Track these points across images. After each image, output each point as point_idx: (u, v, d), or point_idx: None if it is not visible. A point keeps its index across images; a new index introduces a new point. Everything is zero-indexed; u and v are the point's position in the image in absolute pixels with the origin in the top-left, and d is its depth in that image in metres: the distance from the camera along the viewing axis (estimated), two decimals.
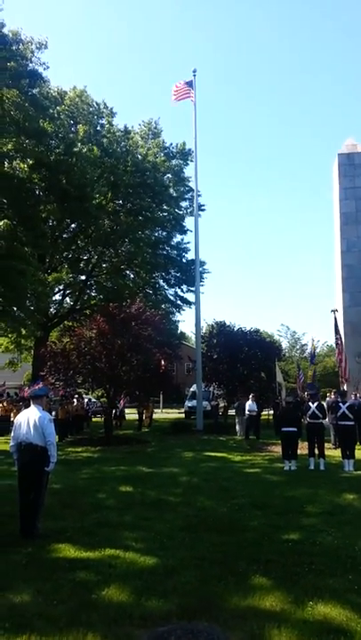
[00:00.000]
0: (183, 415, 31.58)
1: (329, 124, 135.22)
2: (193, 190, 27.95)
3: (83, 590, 4.46)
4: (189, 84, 24.18)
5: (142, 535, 6.12)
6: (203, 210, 32.37)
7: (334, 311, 19.42)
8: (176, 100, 24.22)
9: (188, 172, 31.23)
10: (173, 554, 5.42)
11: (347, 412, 11.48)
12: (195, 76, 24.25)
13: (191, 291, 30.56)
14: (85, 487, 9.22)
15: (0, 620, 3.88)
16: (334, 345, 19.32)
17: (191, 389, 31.92)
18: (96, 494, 8.58)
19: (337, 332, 18.05)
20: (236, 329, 24.74)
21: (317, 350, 46.46)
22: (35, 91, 21.23)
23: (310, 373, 18.12)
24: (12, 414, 19.05)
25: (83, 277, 29.95)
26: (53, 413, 15.91)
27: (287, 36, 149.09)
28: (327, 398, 17.63)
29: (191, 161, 30.10)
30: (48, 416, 6.40)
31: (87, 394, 27.55)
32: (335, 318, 18.57)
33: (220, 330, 24.82)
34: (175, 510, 7.42)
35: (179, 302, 32.24)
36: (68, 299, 30.98)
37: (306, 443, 12.07)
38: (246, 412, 18.03)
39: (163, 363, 18.90)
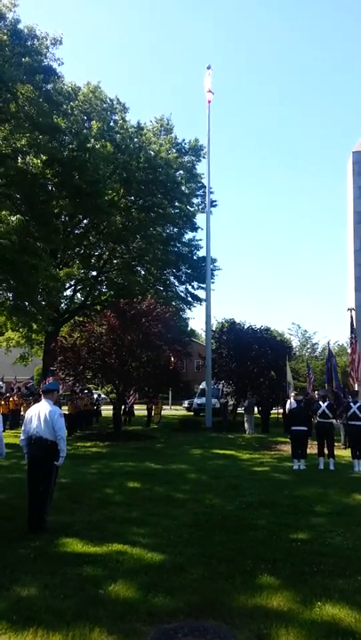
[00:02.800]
0: (188, 412, 31.64)
1: (344, 122, 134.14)
2: (205, 187, 27.92)
3: (90, 585, 4.46)
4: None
5: (150, 531, 6.11)
6: (215, 206, 32.31)
7: (351, 310, 19.27)
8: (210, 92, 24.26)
9: (201, 168, 31.20)
10: (181, 551, 5.41)
11: (358, 412, 11.38)
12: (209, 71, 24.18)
13: (202, 287, 30.55)
14: (94, 482, 9.25)
15: (8, 613, 3.90)
16: (348, 344, 19.18)
17: (200, 386, 31.94)
18: (104, 489, 8.60)
19: (353, 331, 17.90)
20: (246, 327, 24.67)
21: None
22: (49, 86, 21.25)
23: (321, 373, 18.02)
24: (22, 408, 19.18)
25: (94, 273, 30.04)
26: (64, 408, 15.97)
27: (303, 31, 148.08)
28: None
29: (204, 157, 30.08)
30: (58, 410, 6.42)
31: (97, 389, 27.67)
32: (351, 317, 18.42)
33: (231, 327, 24.77)
34: (183, 507, 7.41)
35: (189, 299, 32.25)
36: (78, 294, 31.11)
37: (315, 442, 12.00)
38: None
39: (172, 359, 18.91)
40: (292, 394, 14.50)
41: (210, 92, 24.05)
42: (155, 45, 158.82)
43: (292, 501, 7.88)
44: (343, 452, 13.48)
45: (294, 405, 12.94)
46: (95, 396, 25.44)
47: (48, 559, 5.11)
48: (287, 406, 13.80)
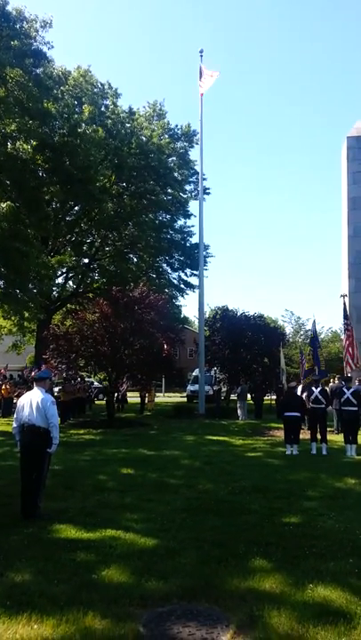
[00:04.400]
0: (185, 399, 31.70)
1: (338, 107, 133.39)
2: (198, 173, 27.66)
3: (83, 570, 4.48)
4: (200, 72, 23.70)
5: (143, 517, 6.14)
6: (208, 193, 32.08)
7: (344, 296, 19.25)
8: (203, 88, 23.74)
9: (194, 155, 30.95)
10: (174, 535, 5.43)
11: (351, 397, 11.46)
12: (202, 56, 23.81)
13: (195, 274, 30.43)
14: (87, 469, 9.27)
15: (2, 599, 3.91)
16: (343, 330, 19.07)
17: (193, 373, 32.00)
18: (97, 476, 8.61)
19: (346, 317, 17.88)
20: (239, 314, 24.71)
21: (321, 336, 46.26)
22: (39, 70, 20.87)
23: (309, 357, 17.67)
24: (14, 397, 19.14)
25: (86, 260, 29.83)
26: (56, 394, 15.94)
27: (298, 17, 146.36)
28: (330, 384, 17.57)
29: (196, 144, 29.74)
30: (51, 398, 6.40)
31: (89, 377, 27.66)
32: (344, 303, 18.39)
33: (224, 314, 24.79)
34: (176, 492, 7.44)
35: (182, 286, 32.12)
36: (70, 282, 30.92)
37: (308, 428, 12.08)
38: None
39: (165, 347, 18.89)
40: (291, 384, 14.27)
41: (205, 78, 23.65)
42: (147, 31, 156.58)
43: (284, 486, 7.94)
44: (336, 437, 13.60)
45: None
46: (88, 383, 25.42)
47: (42, 545, 5.12)
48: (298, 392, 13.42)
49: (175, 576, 4.36)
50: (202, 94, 23.66)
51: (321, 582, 4.25)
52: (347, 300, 19.35)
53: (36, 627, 3.50)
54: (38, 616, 3.63)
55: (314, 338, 18.64)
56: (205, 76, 23.39)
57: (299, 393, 13.31)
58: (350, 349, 17.29)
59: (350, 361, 17.10)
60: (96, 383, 31.61)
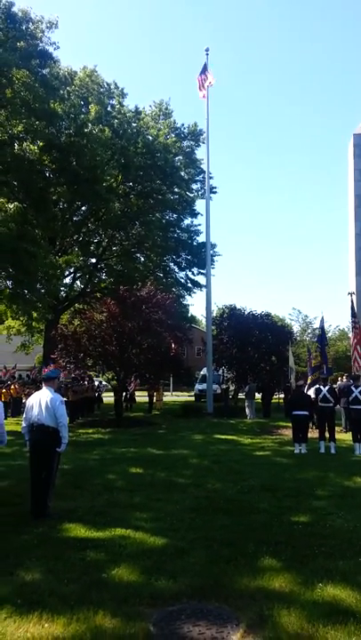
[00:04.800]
0: (193, 398, 31.70)
1: (345, 104, 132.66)
2: (204, 172, 27.65)
3: (93, 569, 4.50)
4: (204, 68, 23.64)
5: (152, 516, 6.16)
6: (214, 192, 32.03)
7: (351, 294, 19.19)
8: (202, 92, 23.65)
9: (200, 153, 30.84)
10: (183, 535, 5.45)
11: (359, 396, 11.40)
12: (207, 55, 23.77)
13: (202, 273, 30.39)
14: (96, 468, 9.30)
15: (12, 598, 3.94)
16: (351, 328, 18.98)
17: (201, 372, 31.98)
18: (106, 475, 8.65)
19: (353, 314, 17.80)
20: (246, 312, 24.63)
21: (329, 334, 46.00)
22: (45, 71, 20.93)
23: (316, 354, 17.58)
24: (23, 396, 19.24)
25: (93, 260, 29.88)
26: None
27: (303, 16, 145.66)
28: (338, 382, 17.51)
29: (203, 142, 29.68)
30: (60, 398, 6.44)
31: (97, 376, 27.73)
32: (352, 301, 18.33)
33: (231, 313, 24.75)
34: (185, 492, 7.46)
35: (189, 285, 32.10)
36: (78, 282, 30.97)
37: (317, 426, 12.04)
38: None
39: (173, 346, 18.91)
40: (299, 383, 14.20)
41: (207, 77, 23.58)
42: (153, 30, 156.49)
43: (293, 485, 7.93)
44: (344, 436, 13.55)
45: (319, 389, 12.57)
46: (96, 383, 25.49)
47: (51, 544, 5.15)
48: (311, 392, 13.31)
49: (185, 575, 4.38)
50: (204, 96, 23.60)
51: (330, 581, 4.25)
52: (354, 297, 19.27)
53: (46, 625, 3.53)
54: (49, 615, 3.66)
55: (322, 335, 18.57)
56: (207, 77, 23.36)
57: (306, 391, 13.26)
58: (358, 348, 17.21)
59: (359, 359, 17.02)
60: (104, 382, 31.70)
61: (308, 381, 15.90)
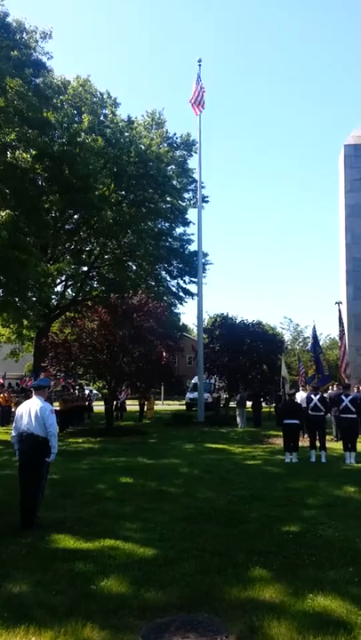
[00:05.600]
0: (184, 407, 31.62)
1: (336, 115, 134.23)
2: (196, 181, 27.83)
3: (82, 581, 4.45)
4: (198, 78, 23.86)
5: (142, 526, 6.11)
6: (206, 201, 32.23)
7: (339, 303, 19.33)
8: (197, 106, 23.83)
9: (192, 163, 31.11)
10: (173, 545, 5.41)
11: (349, 404, 11.45)
12: (200, 65, 24.06)
13: (194, 282, 30.49)
14: (85, 478, 9.22)
15: None
16: (338, 337, 19.14)
17: (192, 381, 31.95)
18: (96, 485, 8.58)
19: (341, 324, 17.93)
20: (238, 321, 24.69)
21: (320, 342, 46.15)
22: (38, 80, 21.02)
23: (311, 363, 17.76)
24: (12, 405, 19.08)
25: (85, 268, 29.87)
26: (55, 404, 15.89)
27: (297, 25, 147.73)
28: (329, 391, 17.58)
29: (195, 152, 29.94)
30: (50, 407, 6.39)
31: (88, 385, 27.60)
32: (339, 311, 18.46)
33: (223, 322, 24.80)
34: (175, 501, 7.41)
35: (181, 294, 32.17)
36: (69, 290, 30.92)
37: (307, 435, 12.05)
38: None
39: (164, 354, 18.88)
40: (291, 392, 14.23)
41: (198, 92, 23.80)
42: (146, 40, 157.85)
43: (284, 494, 7.92)
44: (335, 445, 13.56)
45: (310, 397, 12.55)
46: (87, 392, 25.36)
47: (40, 555, 5.08)
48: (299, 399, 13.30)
49: (175, 586, 4.34)
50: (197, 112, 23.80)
51: (321, 592, 4.23)
52: (342, 307, 19.40)
53: (34, 638, 3.48)
54: (36, 628, 3.60)
55: (314, 343, 18.68)
56: (198, 91, 23.60)
57: (298, 400, 13.27)
58: (346, 357, 17.39)
59: (341, 371, 17.21)
60: (95, 391, 31.54)
61: (308, 390, 16.01)
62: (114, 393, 18.68)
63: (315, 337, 19.12)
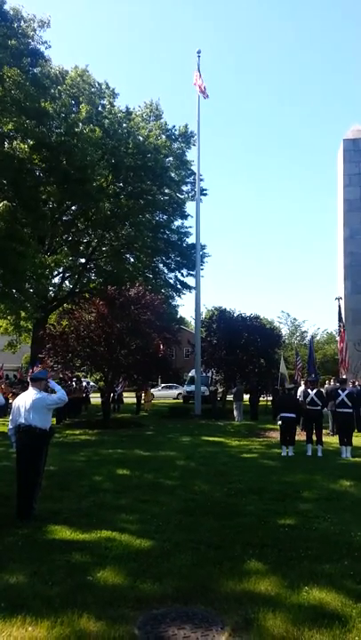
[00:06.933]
0: (178, 399, 31.65)
1: (335, 109, 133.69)
2: (195, 174, 27.71)
3: (78, 572, 4.46)
4: (198, 69, 23.70)
5: (138, 518, 6.12)
6: (205, 194, 32.14)
7: (339, 299, 19.35)
8: (202, 93, 23.74)
9: (191, 155, 30.94)
10: (169, 537, 5.42)
11: (346, 399, 11.47)
12: (199, 57, 23.89)
13: (191, 275, 30.48)
14: (82, 470, 9.24)
15: None
16: (337, 332, 19.34)
17: (190, 374, 31.97)
18: (93, 477, 8.59)
19: (340, 319, 17.98)
20: (236, 315, 24.69)
21: (317, 338, 46.47)
22: (36, 70, 20.87)
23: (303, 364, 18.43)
24: (9, 397, 19.03)
25: (82, 260, 29.82)
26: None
27: (293, 17, 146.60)
28: (326, 385, 17.63)
29: (194, 145, 29.77)
30: (47, 395, 6.40)
31: (85, 377, 27.60)
32: (339, 306, 18.48)
33: (220, 315, 24.78)
34: (172, 494, 7.43)
35: (179, 286, 32.17)
36: (67, 281, 30.88)
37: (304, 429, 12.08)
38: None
39: (162, 347, 18.87)
40: (288, 386, 14.29)
41: (200, 79, 23.64)
42: (145, 31, 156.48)
43: (280, 487, 7.94)
44: (331, 439, 13.61)
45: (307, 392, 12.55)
46: (84, 383, 25.37)
47: (36, 546, 5.09)
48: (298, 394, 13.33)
49: (170, 578, 4.35)
50: (199, 87, 23.68)
51: (316, 585, 4.25)
52: (342, 302, 19.42)
53: (30, 629, 3.48)
54: (33, 618, 3.61)
55: (310, 352, 19.17)
56: (200, 79, 23.46)
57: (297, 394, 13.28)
58: (343, 353, 17.46)
59: (345, 363, 17.26)
60: (92, 383, 31.56)
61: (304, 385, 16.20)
62: (111, 385, 18.68)
63: (311, 347, 19.76)
